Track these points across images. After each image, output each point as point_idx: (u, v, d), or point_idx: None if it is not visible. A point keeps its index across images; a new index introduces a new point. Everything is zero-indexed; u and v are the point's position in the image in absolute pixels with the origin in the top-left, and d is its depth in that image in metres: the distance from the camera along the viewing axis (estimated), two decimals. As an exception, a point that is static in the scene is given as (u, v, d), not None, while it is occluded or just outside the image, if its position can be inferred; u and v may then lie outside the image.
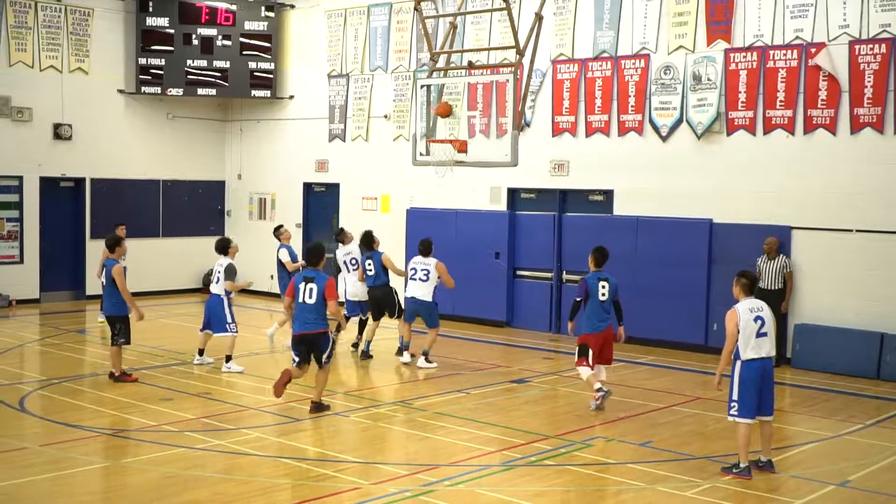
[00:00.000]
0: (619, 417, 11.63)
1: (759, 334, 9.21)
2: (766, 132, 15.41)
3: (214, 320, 14.01)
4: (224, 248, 14.36)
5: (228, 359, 13.98)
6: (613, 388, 13.30)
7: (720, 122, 15.87)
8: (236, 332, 14.01)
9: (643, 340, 16.50)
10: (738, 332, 9.16)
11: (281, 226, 16.87)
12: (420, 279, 14.46)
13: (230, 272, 13.99)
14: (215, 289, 14.13)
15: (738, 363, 9.16)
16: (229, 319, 13.91)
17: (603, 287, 12.00)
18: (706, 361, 15.00)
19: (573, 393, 13.06)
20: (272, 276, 22.49)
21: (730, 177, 15.79)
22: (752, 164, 15.55)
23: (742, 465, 9.20)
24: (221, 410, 11.67)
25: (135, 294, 20.33)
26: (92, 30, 21.27)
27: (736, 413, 9.19)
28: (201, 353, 14.36)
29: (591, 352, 11.92)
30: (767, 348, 9.27)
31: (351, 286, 15.48)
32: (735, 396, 9.15)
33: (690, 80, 16.12)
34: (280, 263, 16.13)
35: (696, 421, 11.39)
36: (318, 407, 11.57)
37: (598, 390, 11.83)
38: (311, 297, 11.23)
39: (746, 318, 9.21)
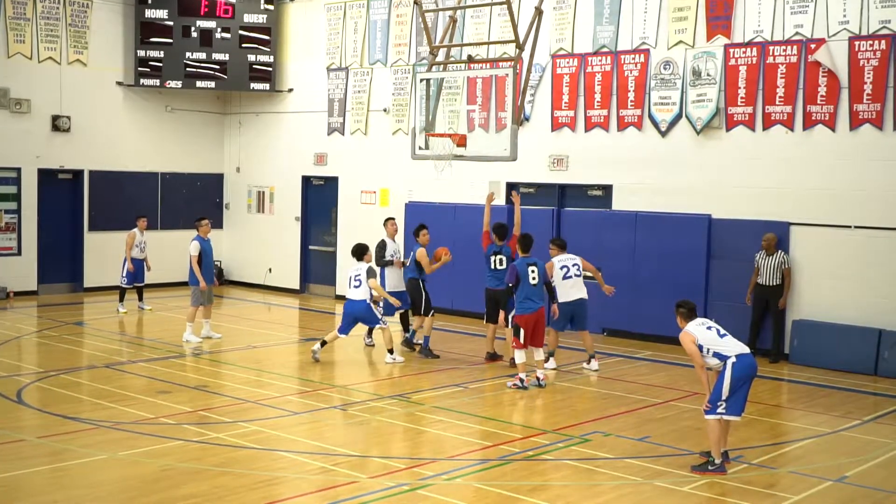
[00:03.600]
0: (617, 412, 11.64)
1: (722, 335, 9.27)
2: (765, 128, 15.41)
3: (367, 323, 14.55)
4: (361, 253, 14.50)
5: (391, 351, 14.33)
6: (611, 382, 13.34)
7: (719, 118, 15.86)
8: (387, 324, 14.43)
9: (641, 335, 16.52)
10: (700, 347, 9.15)
11: (203, 218, 16.36)
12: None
13: (371, 273, 14.24)
14: (357, 294, 14.23)
15: (729, 363, 9.08)
16: (379, 316, 14.32)
17: (532, 271, 12.83)
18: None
19: (571, 388, 13.07)
20: (269, 270, 22.60)
21: (729, 172, 15.78)
22: (752, 160, 15.54)
23: (717, 462, 9.16)
24: (219, 403, 11.67)
25: (134, 287, 20.53)
26: (91, 21, 21.22)
27: (724, 411, 9.07)
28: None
29: (522, 332, 12.68)
30: (742, 345, 9.30)
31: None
32: (724, 396, 9.07)
33: (690, 76, 16.10)
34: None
35: (693, 416, 11.38)
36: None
37: (520, 380, 12.66)
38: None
39: (701, 332, 9.24)
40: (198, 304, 15.79)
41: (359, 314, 14.29)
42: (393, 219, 15.93)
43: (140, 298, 19.09)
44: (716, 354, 9.15)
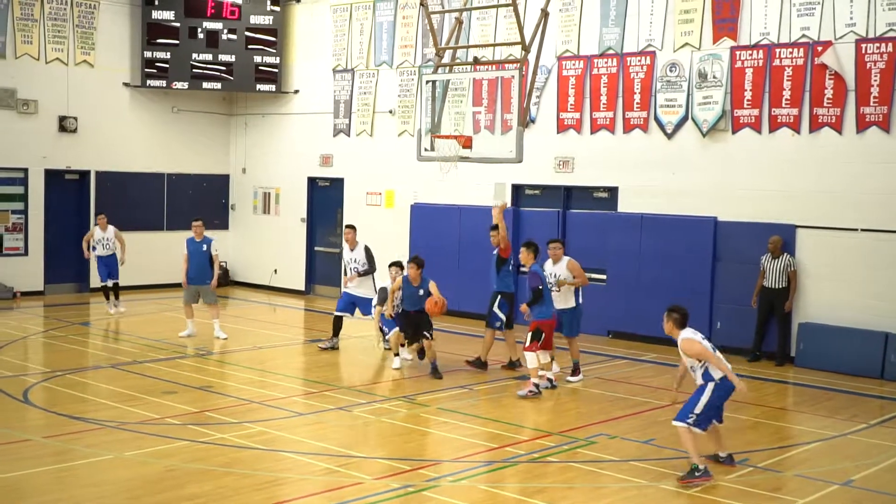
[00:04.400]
0: (622, 415, 11.63)
1: (714, 349, 9.18)
2: (771, 130, 15.39)
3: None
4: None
5: (397, 355, 14.31)
6: (616, 385, 13.34)
7: (725, 120, 15.84)
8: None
9: (646, 338, 16.49)
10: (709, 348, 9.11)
11: (195, 218, 16.55)
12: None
13: (381, 294, 14.36)
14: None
15: (712, 385, 9.01)
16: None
17: (546, 277, 13.03)
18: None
19: (576, 390, 13.05)
20: (275, 271, 22.62)
21: (735, 175, 15.76)
22: (758, 163, 15.52)
23: (701, 468, 9.01)
24: (224, 404, 11.67)
25: (139, 287, 20.58)
26: (97, 22, 21.28)
27: (692, 423, 9.00)
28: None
29: (544, 336, 12.57)
30: (728, 365, 9.21)
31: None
32: (698, 410, 9.00)
33: (696, 78, 16.09)
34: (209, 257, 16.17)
35: (699, 419, 11.36)
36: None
37: (535, 385, 12.46)
38: None
39: (700, 339, 9.17)
40: (185, 300, 16.22)
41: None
42: (351, 226, 15.75)
43: (116, 297, 18.66)
44: (705, 374, 9.09)
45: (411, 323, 13.67)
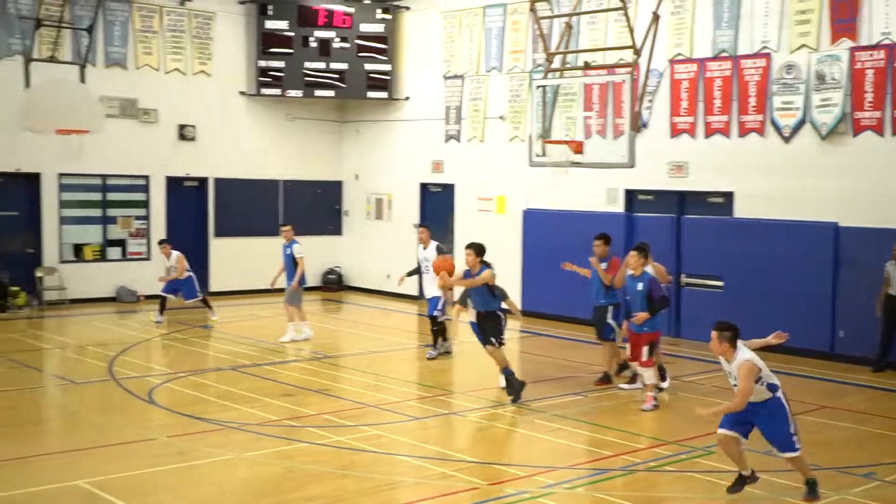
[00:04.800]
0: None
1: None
2: (894, 133, 14.88)
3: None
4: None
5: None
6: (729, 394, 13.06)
7: (846, 123, 15.38)
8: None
9: (764, 346, 16.09)
10: (758, 380, 8.53)
11: (286, 223, 17.43)
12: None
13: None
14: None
15: (780, 392, 8.65)
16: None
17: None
18: (832, 369, 14.59)
19: (691, 398, 12.83)
20: (388, 276, 22.85)
21: (856, 179, 15.28)
22: (881, 167, 15.01)
23: (813, 477, 8.63)
24: (341, 407, 11.86)
25: (254, 292, 21.04)
26: (214, 33, 21.89)
27: (799, 444, 8.54)
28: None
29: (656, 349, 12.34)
30: None
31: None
32: (793, 429, 8.53)
33: (814, 80, 15.66)
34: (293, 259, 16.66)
35: (822, 431, 11.06)
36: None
37: (654, 398, 12.11)
38: None
39: (759, 362, 8.67)
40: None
41: None
42: (424, 226, 16.20)
43: (209, 307, 18.74)
44: (769, 385, 8.66)
45: (484, 329, 12.27)
